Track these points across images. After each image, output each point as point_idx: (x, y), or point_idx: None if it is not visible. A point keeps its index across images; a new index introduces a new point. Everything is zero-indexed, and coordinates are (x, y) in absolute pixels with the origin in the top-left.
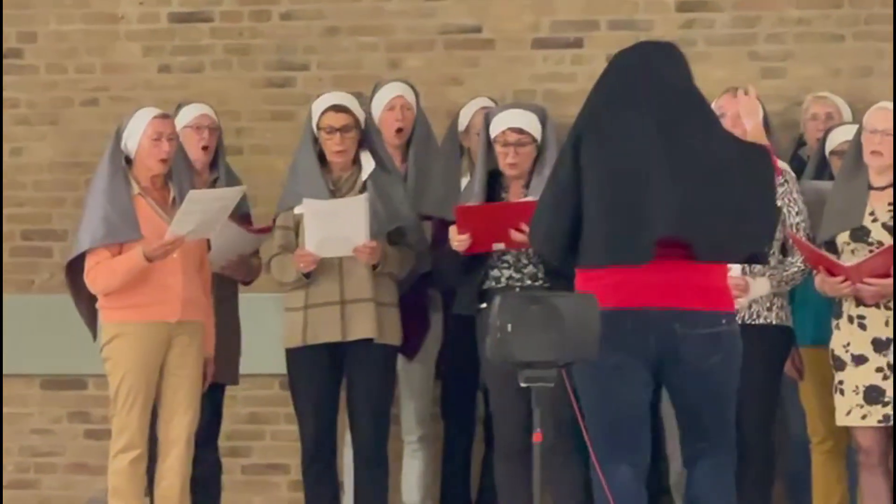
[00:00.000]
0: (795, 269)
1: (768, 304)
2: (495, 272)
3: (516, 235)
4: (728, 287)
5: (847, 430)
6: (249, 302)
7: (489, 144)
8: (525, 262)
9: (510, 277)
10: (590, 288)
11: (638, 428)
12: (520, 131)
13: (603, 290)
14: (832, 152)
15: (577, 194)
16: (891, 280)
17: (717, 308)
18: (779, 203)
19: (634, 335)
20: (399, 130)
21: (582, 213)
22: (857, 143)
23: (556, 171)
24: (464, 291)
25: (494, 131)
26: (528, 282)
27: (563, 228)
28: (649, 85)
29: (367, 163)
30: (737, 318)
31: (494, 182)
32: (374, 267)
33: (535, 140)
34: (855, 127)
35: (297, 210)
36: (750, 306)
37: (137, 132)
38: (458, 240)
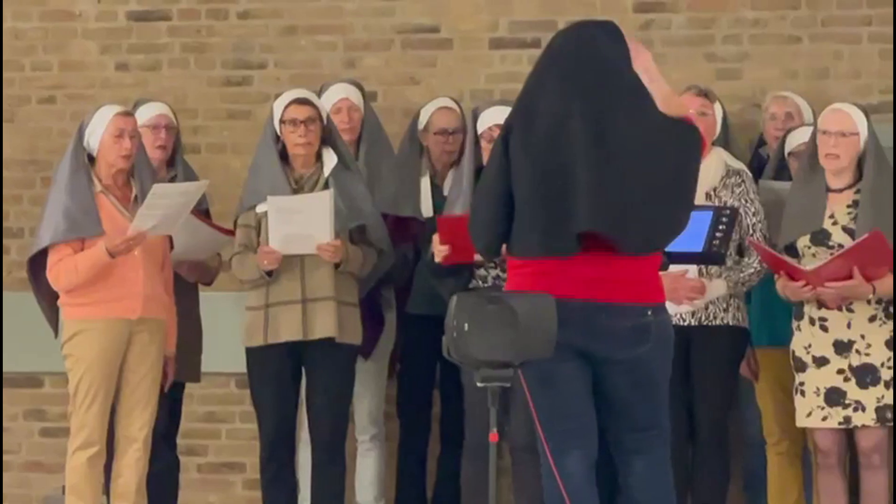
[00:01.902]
0: (752, 270)
1: (724, 305)
2: (481, 271)
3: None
4: (657, 279)
5: (802, 431)
6: (207, 300)
7: (476, 141)
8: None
9: (497, 277)
10: (517, 277)
11: (580, 414)
12: None
13: (529, 279)
14: (791, 153)
15: (508, 185)
16: (851, 283)
17: (642, 301)
18: (735, 203)
19: (561, 324)
20: (346, 131)
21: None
22: (813, 146)
23: (488, 162)
24: (446, 289)
25: (482, 127)
26: None
27: (495, 220)
28: (583, 69)
29: (329, 159)
30: (688, 315)
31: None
32: (337, 265)
33: None
34: (811, 129)
35: (258, 208)
36: (706, 307)
37: (100, 129)
38: (439, 250)
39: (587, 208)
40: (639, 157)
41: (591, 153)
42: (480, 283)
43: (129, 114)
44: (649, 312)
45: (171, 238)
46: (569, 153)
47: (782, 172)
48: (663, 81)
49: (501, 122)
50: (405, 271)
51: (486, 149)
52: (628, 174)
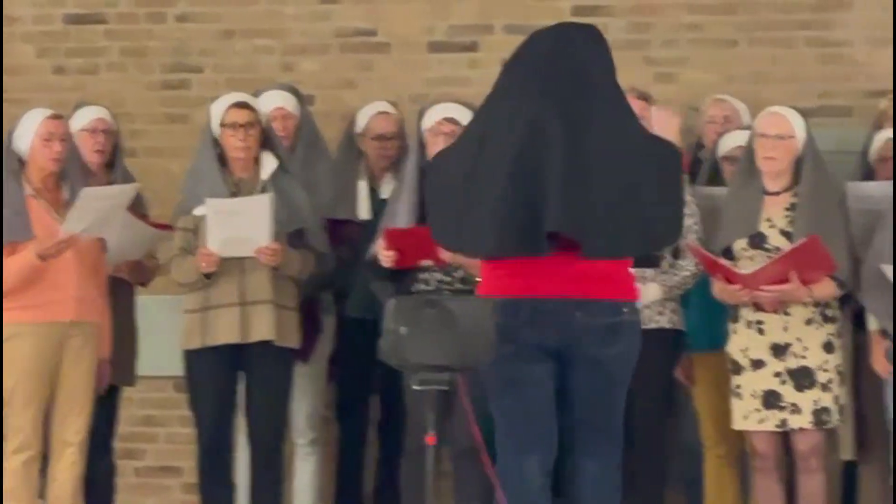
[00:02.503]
0: (687, 273)
1: (660, 309)
2: (424, 275)
3: (444, 254)
4: (631, 276)
5: (740, 435)
6: (145, 304)
7: (421, 141)
8: (455, 265)
9: (440, 281)
10: (491, 275)
11: (543, 418)
12: (454, 122)
13: (503, 278)
14: (723, 157)
15: (477, 180)
16: (789, 286)
17: (619, 297)
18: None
19: (532, 325)
20: (282, 138)
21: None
22: (750, 149)
23: (456, 156)
24: (357, 294)
25: (428, 122)
26: (459, 285)
27: (460, 212)
28: (561, 74)
29: (269, 163)
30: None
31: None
32: (275, 268)
33: None
34: (745, 132)
35: (196, 211)
36: (642, 311)
37: (29, 133)
38: (385, 255)
39: (557, 210)
40: (612, 165)
41: (566, 159)
42: (423, 286)
43: (58, 117)
44: (625, 310)
45: (105, 242)
46: (544, 157)
47: (716, 175)
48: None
49: (448, 115)
50: (343, 275)
51: (433, 142)
52: (600, 180)
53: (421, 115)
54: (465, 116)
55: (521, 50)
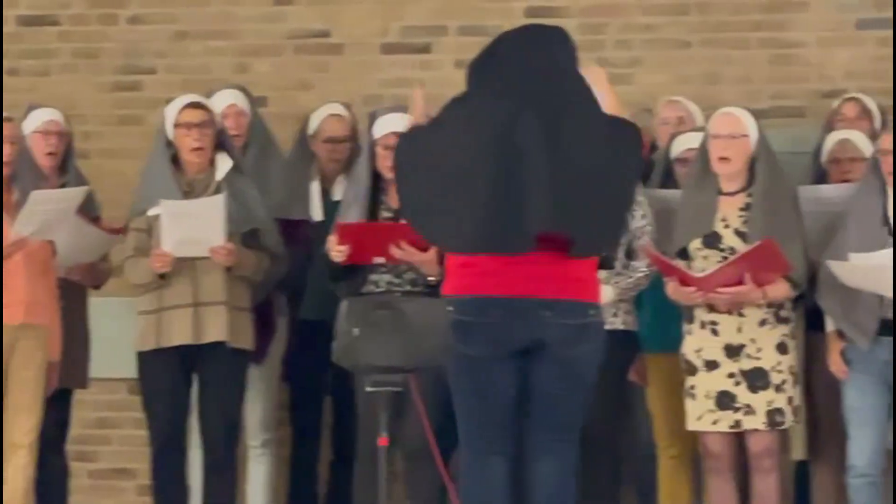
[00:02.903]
0: (640, 274)
1: (614, 310)
2: (374, 276)
3: (396, 252)
4: (596, 278)
5: (693, 436)
6: (98, 306)
7: (372, 146)
8: (405, 267)
9: (390, 282)
10: (460, 274)
11: (507, 418)
12: None
13: (472, 277)
14: (676, 159)
15: (456, 175)
16: (743, 288)
17: (586, 298)
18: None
19: (502, 324)
20: (234, 136)
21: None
22: (703, 150)
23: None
24: (310, 295)
25: (378, 133)
26: (408, 287)
27: (440, 208)
28: (533, 72)
29: (223, 164)
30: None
31: (375, 183)
32: (229, 269)
33: None
34: (698, 134)
35: (150, 212)
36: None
37: None
38: (337, 251)
39: (547, 209)
40: (589, 160)
41: (545, 155)
42: (374, 287)
43: (9, 119)
44: (591, 312)
45: (54, 245)
46: (522, 155)
47: (668, 177)
48: (614, 95)
49: (398, 129)
50: (296, 276)
51: (383, 155)
52: (581, 176)
53: (372, 120)
54: None
55: (490, 49)
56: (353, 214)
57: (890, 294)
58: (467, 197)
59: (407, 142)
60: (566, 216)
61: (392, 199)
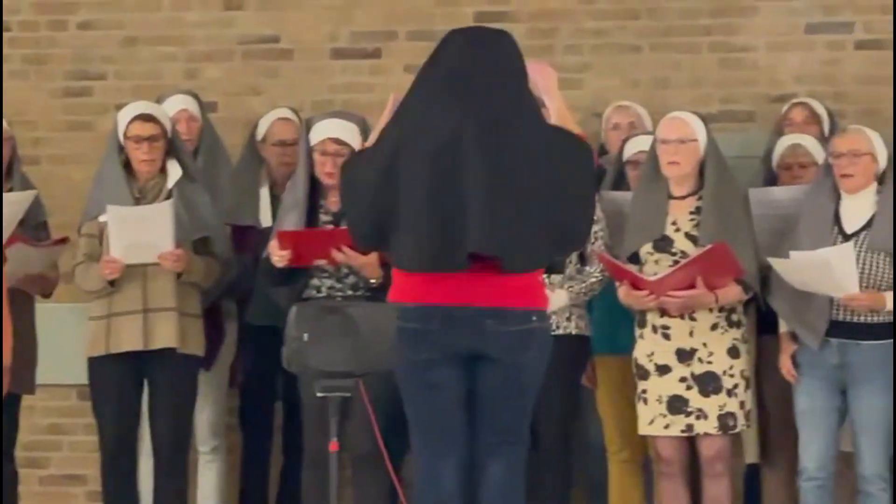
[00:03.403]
0: (594, 279)
1: (568, 315)
2: (315, 281)
3: (337, 255)
4: (540, 285)
5: (644, 439)
6: (49, 312)
7: (310, 152)
8: (346, 271)
9: (331, 287)
10: (404, 283)
11: (457, 422)
12: (339, 142)
13: (416, 286)
14: (627, 161)
15: (391, 186)
16: (695, 292)
17: (529, 305)
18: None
19: (444, 332)
20: (185, 141)
21: (397, 208)
22: (653, 154)
23: (373, 154)
24: (281, 299)
25: (314, 139)
26: (349, 292)
27: (375, 217)
28: (476, 81)
29: (174, 171)
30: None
31: (314, 188)
32: (179, 276)
33: (353, 150)
34: (648, 137)
35: (101, 218)
36: (549, 317)
37: None
38: (279, 255)
39: (479, 230)
40: (531, 174)
41: (484, 171)
42: (315, 293)
43: None
44: (534, 318)
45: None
46: (462, 169)
47: (621, 181)
48: (561, 100)
49: (333, 135)
50: (246, 281)
51: (320, 161)
52: (519, 193)
53: (308, 127)
54: (350, 135)
55: (435, 55)
56: (291, 220)
57: (832, 293)
58: (407, 215)
59: (354, 159)
60: (499, 237)
61: (331, 204)
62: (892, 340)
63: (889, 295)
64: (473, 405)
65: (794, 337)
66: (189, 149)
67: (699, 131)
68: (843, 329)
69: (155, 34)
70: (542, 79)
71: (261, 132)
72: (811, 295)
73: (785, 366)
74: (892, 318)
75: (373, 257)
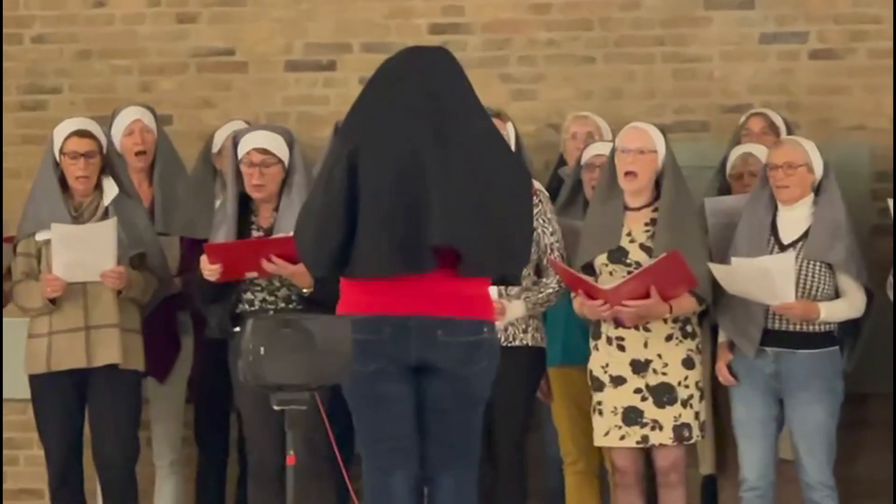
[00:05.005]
0: (550, 290)
1: (524, 326)
2: (248, 295)
3: (267, 266)
4: (488, 296)
5: (599, 450)
6: (6, 327)
7: (238, 166)
8: (278, 284)
9: (263, 300)
10: (353, 294)
11: (407, 434)
12: (264, 151)
13: (365, 296)
14: (584, 165)
15: (352, 204)
16: (649, 301)
17: (479, 316)
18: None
19: (395, 342)
20: (140, 153)
21: (356, 223)
22: (610, 165)
23: (327, 179)
24: (214, 315)
25: (241, 152)
26: (282, 304)
27: (333, 237)
28: (425, 91)
29: (110, 188)
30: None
31: (245, 205)
32: (119, 292)
33: (281, 161)
34: (607, 144)
35: (39, 236)
36: (506, 328)
37: None
38: (209, 269)
39: (441, 223)
40: (484, 181)
41: (442, 178)
42: (248, 307)
43: None
44: (484, 329)
45: None
46: (421, 177)
47: (578, 188)
48: None
49: (259, 146)
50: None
51: (247, 173)
52: (475, 201)
53: (234, 143)
54: (276, 145)
55: (379, 74)
56: (222, 234)
57: (769, 301)
58: (371, 224)
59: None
60: (461, 231)
61: (262, 219)
62: (826, 349)
63: (823, 305)
64: (423, 417)
65: (731, 346)
66: (145, 161)
67: (659, 142)
68: (779, 338)
69: (109, 47)
70: None
71: (216, 145)
72: (748, 303)
73: (721, 372)
74: (826, 327)
75: (302, 266)
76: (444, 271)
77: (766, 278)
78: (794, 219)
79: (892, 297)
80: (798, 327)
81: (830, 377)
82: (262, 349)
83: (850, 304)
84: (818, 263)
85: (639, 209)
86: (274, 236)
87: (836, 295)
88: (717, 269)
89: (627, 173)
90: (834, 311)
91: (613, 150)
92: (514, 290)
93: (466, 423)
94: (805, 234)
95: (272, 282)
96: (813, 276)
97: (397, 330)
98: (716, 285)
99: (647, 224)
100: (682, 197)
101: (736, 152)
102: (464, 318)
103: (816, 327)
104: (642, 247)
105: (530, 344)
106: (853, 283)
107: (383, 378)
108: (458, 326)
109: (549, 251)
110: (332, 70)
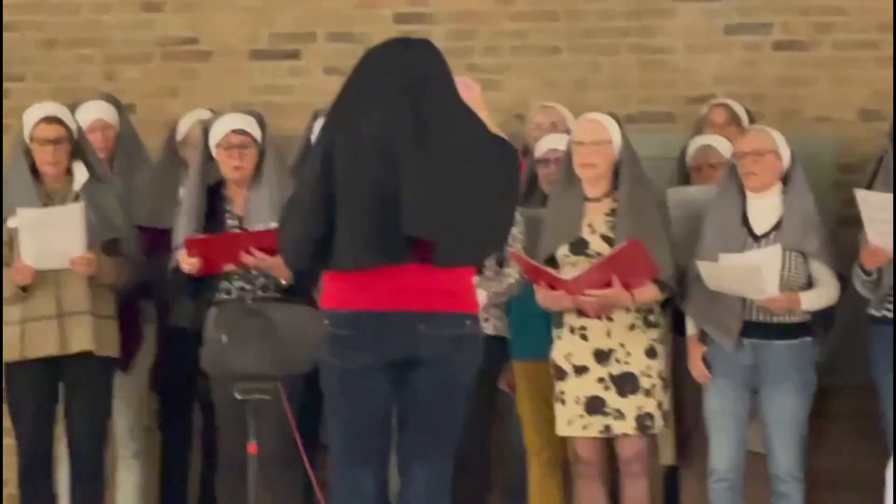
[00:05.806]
0: (512, 280)
1: (485, 316)
2: (225, 284)
3: (247, 259)
4: (472, 288)
5: (563, 441)
6: None
7: (209, 156)
8: (256, 273)
9: (242, 289)
10: (335, 288)
11: (380, 430)
12: (243, 132)
13: (347, 291)
14: (538, 160)
15: (332, 197)
16: (610, 291)
17: (461, 309)
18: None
19: (377, 337)
20: (100, 150)
21: (335, 217)
22: (568, 156)
23: (307, 173)
24: (180, 303)
25: (216, 137)
26: (260, 293)
27: (314, 232)
28: (404, 82)
29: (80, 173)
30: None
31: (215, 196)
32: (92, 278)
33: (256, 142)
34: (561, 136)
35: (10, 223)
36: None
37: None
38: (189, 263)
39: (413, 215)
40: (461, 172)
41: (418, 167)
42: (225, 295)
43: None
44: (467, 322)
45: None
46: (398, 167)
47: (534, 180)
48: (487, 112)
49: (237, 127)
50: (163, 283)
51: (227, 155)
52: (452, 188)
53: (205, 131)
54: (251, 126)
55: (362, 64)
56: (188, 225)
57: (758, 296)
58: (349, 216)
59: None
60: (434, 223)
61: (236, 207)
62: (802, 340)
63: (804, 295)
64: (404, 411)
65: (701, 338)
66: (104, 157)
67: (613, 133)
68: (757, 329)
69: (74, 36)
70: (467, 92)
71: (180, 133)
72: (722, 296)
73: (696, 367)
74: (804, 317)
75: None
76: (425, 263)
77: (755, 273)
78: (765, 209)
79: (857, 287)
80: (777, 318)
81: (806, 368)
82: (224, 338)
83: (826, 293)
84: (793, 253)
85: (598, 200)
86: (254, 229)
87: (809, 284)
88: (705, 267)
89: (584, 164)
90: (813, 301)
91: (570, 142)
92: (475, 279)
93: (448, 417)
94: (777, 225)
95: (250, 270)
96: (789, 267)
97: (379, 325)
98: (683, 279)
99: (607, 214)
100: (641, 186)
101: (695, 143)
102: (446, 312)
103: (795, 318)
104: (603, 237)
105: (492, 333)
106: (827, 271)
107: (365, 373)
108: (441, 321)
109: (510, 242)
110: (297, 59)
